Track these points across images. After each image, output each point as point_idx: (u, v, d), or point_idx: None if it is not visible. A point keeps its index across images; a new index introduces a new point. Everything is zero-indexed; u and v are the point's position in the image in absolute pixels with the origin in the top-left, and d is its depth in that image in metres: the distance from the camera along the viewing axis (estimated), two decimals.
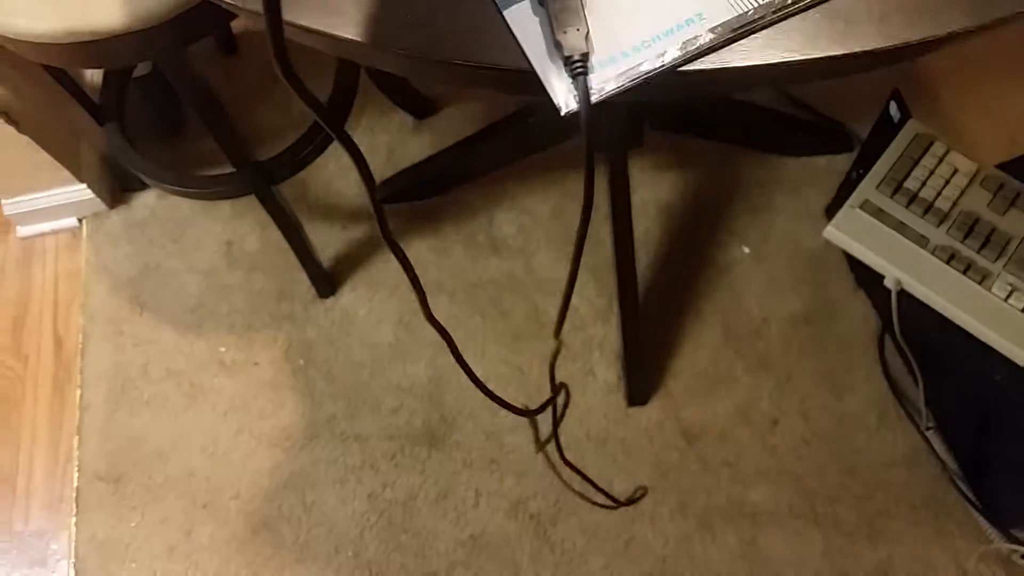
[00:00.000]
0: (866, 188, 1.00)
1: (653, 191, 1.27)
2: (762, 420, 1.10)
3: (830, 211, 1.22)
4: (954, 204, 0.98)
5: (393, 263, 1.24)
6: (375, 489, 1.10)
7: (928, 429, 1.07)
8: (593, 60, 0.44)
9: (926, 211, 0.98)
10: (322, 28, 0.47)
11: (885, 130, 1.07)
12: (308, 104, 0.38)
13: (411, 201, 1.28)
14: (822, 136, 1.29)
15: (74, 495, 1.13)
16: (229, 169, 1.11)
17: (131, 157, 1.16)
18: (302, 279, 1.22)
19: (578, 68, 0.43)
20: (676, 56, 0.44)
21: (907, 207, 0.98)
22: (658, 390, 1.13)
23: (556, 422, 0.77)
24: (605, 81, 0.43)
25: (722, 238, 1.23)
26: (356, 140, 1.45)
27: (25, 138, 1.15)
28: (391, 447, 1.12)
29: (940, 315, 0.95)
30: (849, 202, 0.99)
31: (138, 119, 1.31)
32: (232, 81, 1.36)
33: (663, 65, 0.43)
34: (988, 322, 0.92)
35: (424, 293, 0.52)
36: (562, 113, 0.43)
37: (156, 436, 1.16)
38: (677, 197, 1.27)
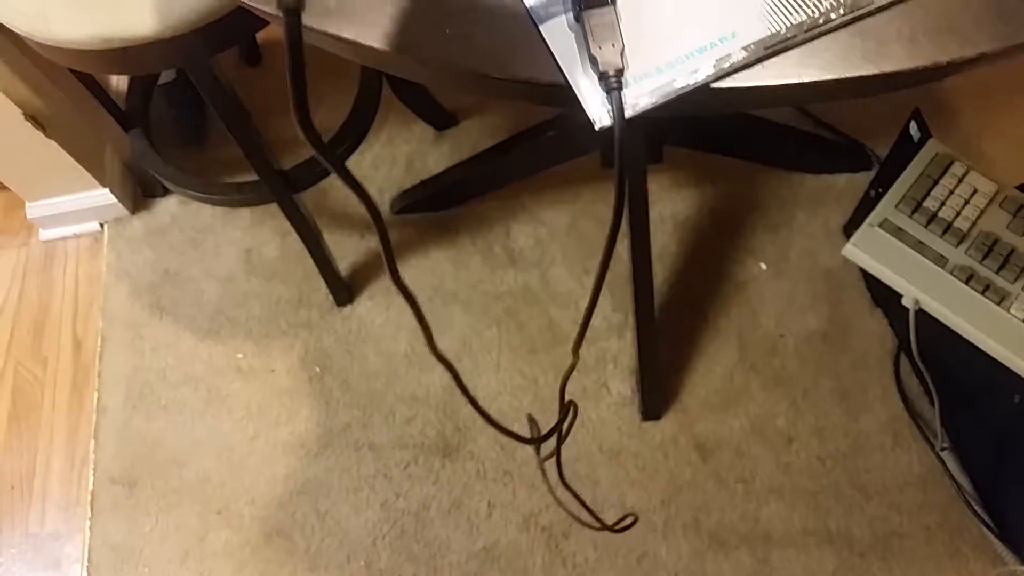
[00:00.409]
0: (885, 207, 1.00)
1: (671, 206, 1.28)
2: (777, 437, 1.10)
3: (848, 229, 1.22)
4: (973, 224, 0.98)
5: (409, 273, 1.25)
6: (388, 498, 1.10)
7: (943, 450, 1.07)
8: (627, 75, 0.44)
9: (945, 231, 0.98)
10: (358, 39, 0.48)
11: (905, 149, 1.08)
12: (326, 158, 0.38)
13: (429, 212, 1.29)
14: (841, 154, 1.29)
15: (89, 498, 1.14)
16: (251, 176, 1.12)
17: (155, 163, 1.17)
18: (320, 287, 1.23)
19: (613, 84, 0.43)
20: (709, 73, 0.44)
21: (926, 226, 0.98)
22: (673, 405, 1.13)
23: (559, 441, 0.76)
24: (639, 96, 0.44)
25: (739, 254, 1.23)
26: (376, 150, 1.46)
27: (51, 142, 1.16)
28: (405, 456, 1.12)
29: (957, 335, 0.95)
30: (868, 220, 1.00)
31: (162, 125, 1.33)
32: (256, 91, 1.37)
33: (696, 82, 0.44)
34: (1006, 343, 0.92)
35: (430, 329, 0.52)
36: (596, 128, 0.44)
37: (172, 441, 1.16)
38: (695, 213, 1.27)
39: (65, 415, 1.21)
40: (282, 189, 1.08)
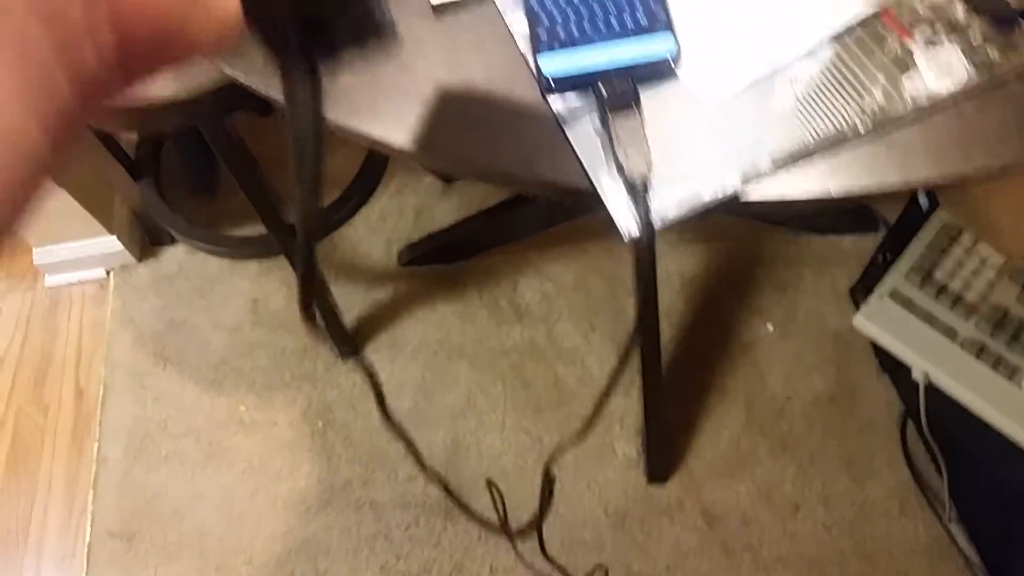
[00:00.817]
0: (895, 277, 1.00)
1: (677, 263, 1.28)
2: (784, 504, 1.09)
3: (855, 292, 1.22)
4: (983, 297, 0.98)
5: (415, 326, 1.24)
6: (388, 560, 1.08)
7: (951, 521, 1.06)
8: (654, 180, 0.44)
9: (955, 303, 0.98)
10: (386, 138, 0.48)
11: (913, 216, 1.08)
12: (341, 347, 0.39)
13: (437, 264, 1.29)
14: (847, 216, 1.30)
15: (86, 551, 1.12)
16: (260, 226, 1.12)
17: (164, 213, 1.17)
18: (325, 339, 1.22)
19: (640, 192, 0.43)
20: (736, 184, 0.44)
21: (935, 298, 0.98)
22: (679, 468, 1.12)
23: (541, 512, 0.74)
24: (666, 207, 0.44)
25: (746, 314, 1.23)
26: (385, 202, 1.45)
27: (60, 189, 1.16)
28: (406, 517, 1.11)
29: (967, 408, 0.95)
30: (878, 291, 0.99)
31: (172, 174, 1.33)
32: (266, 142, 1.37)
33: (724, 195, 0.44)
34: (1017, 418, 0.92)
35: (420, 453, 0.51)
36: (625, 241, 0.43)
37: (172, 493, 1.15)
38: (702, 270, 1.27)
39: (65, 464, 1.19)
40: (290, 243, 1.08)
